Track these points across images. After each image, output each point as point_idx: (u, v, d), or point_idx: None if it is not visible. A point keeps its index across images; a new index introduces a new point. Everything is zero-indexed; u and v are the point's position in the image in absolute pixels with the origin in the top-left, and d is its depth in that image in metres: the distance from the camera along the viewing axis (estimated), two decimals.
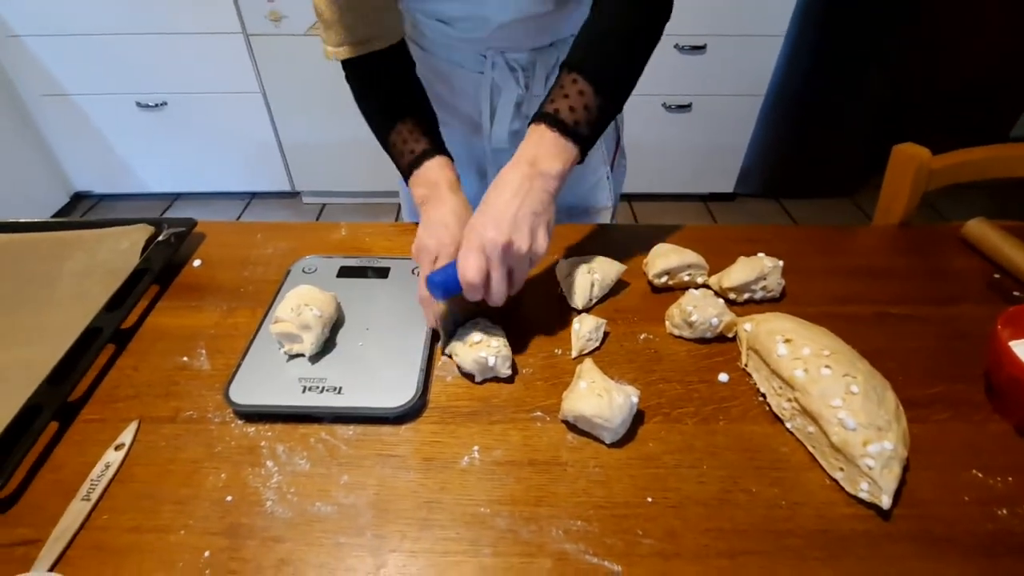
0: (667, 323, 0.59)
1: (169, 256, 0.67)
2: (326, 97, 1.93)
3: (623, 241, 0.70)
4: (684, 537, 0.42)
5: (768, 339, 0.51)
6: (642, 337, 0.58)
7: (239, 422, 0.50)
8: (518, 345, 0.56)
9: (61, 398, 0.50)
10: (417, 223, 0.60)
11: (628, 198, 2.30)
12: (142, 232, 0.70)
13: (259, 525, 0.43)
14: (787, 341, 0.49)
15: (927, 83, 2.25)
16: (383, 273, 0.65)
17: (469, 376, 0.54)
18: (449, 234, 0.55)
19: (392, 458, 0.47)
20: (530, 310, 0.61)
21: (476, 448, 0.48)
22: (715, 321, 0.56)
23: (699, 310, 0.56)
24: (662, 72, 1.88)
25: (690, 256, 0.63)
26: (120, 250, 0.68)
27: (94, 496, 0.44)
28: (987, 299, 0.63)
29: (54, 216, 2.15)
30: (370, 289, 0.63)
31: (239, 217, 2.27)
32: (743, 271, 0.61)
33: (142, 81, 1.96)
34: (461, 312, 0.57)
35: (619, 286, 0.64)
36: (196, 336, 0.59)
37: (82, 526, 0.43)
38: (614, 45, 0.55)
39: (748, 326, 0.54)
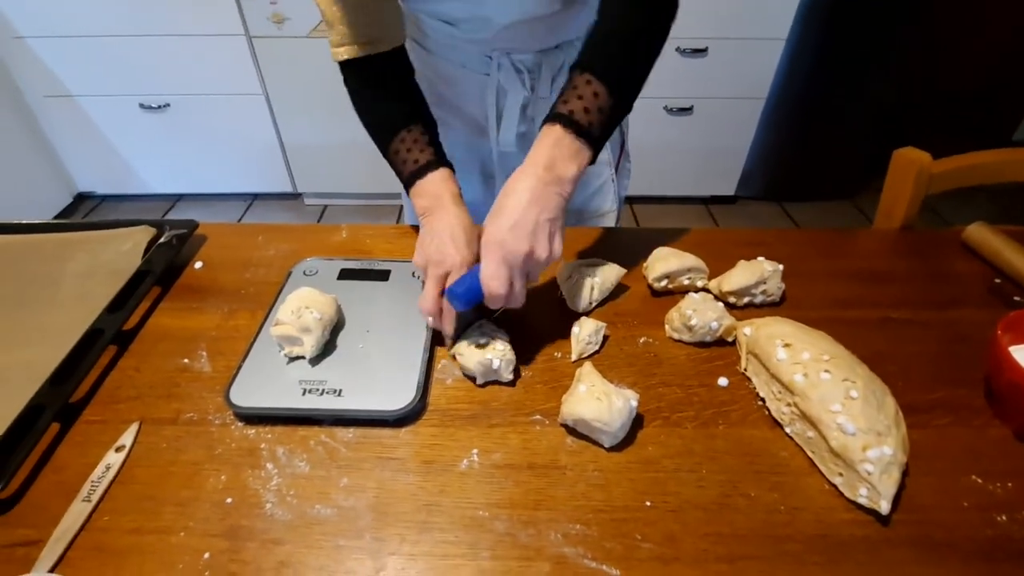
0: (667, 327, 0.59)
1: (171, 258, 0.67)
2: (328, 99, 1.93)
3: (623, 245, 0.71)
4: (683, 541, 0.42)
5: (768, 343, 0.51)
6: (642, 341, 0.58)
7: (239, 424, 0.50)
8: (518, 348, 0.56)
9: (63, 399, 0.50)
10: (418, 226, 0.60)
11: (629, 200, 2.30)
12: (144, 233, 0.71)
13: (259, 527, 0.43)
14: (787, 345, 0.49)
15: (928, 85, 2.25)
16: (384, 275, 0.65)
17: (471, 378, 0.54)
18: (458, 248, 0.55)
19: (391, 461, 0.47)
20: (530, 313, 0.61)
21: (475, 451, 0.48)
22: (715, 325, 0.56)
23: (699, 314, 0.56)
24: (664, 75, 1.86)
25: (690, 260, 0.63)
26: (122, 251, 0.69)
27: (95, 497, 0.44)
28: (988, 304, 0.63)
29: (57, 217, 2.16)
30: (371, 291, 0.63)
31: (241, 218, 2.27)
32: (743, 275, 0.61)
33: (145, 82, 1.97)
34: (470, 315, 0.57)
35: (619, 290, 0.64)
36: (197, 338, 0.59)
37: (83, 527, 0.43)
38: (624, 45, 0.55)
39: (748, 330, 0.54)
